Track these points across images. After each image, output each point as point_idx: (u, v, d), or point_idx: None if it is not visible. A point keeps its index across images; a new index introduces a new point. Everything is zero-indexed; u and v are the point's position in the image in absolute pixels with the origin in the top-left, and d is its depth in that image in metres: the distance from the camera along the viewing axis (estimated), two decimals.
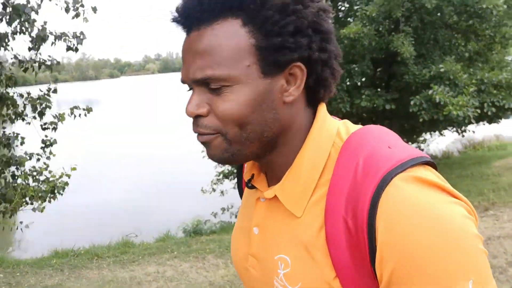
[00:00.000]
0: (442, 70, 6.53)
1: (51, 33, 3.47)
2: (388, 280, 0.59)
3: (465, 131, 7.54)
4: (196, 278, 5.39)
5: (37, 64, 3.46)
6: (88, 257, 6.77)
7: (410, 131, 8.36)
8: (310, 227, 0.68)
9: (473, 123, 6.81)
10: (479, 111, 6.44)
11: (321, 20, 0.68)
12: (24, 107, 3.52)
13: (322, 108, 0.74)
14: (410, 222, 0.56)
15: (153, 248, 7.04)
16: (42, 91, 3.56)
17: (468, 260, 0.56)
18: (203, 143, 0.70)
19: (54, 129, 3.55)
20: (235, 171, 9.94)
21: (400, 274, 0.57)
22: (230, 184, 10.75)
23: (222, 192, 10.76)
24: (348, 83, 7.43)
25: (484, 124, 6.97)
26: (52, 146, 3.65)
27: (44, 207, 3.62)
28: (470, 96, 6.33)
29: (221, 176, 11.01)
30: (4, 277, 5.90)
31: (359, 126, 0.74)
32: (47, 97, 3.51)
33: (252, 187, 0.81)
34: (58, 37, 3.41)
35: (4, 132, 3.49)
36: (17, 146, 3.62)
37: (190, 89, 0.71)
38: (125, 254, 6.83)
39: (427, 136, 10.71)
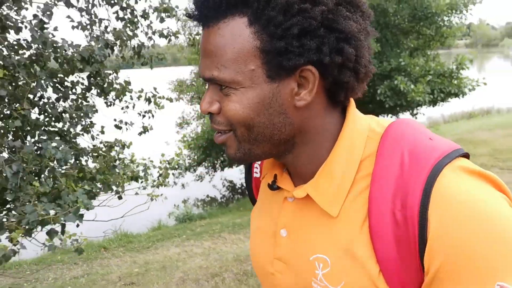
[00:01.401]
0: (402, 63, 7.87)
1: None
2: (435, 271, 0.57)
3: (417, 113, 9.01)
4: (226, 251, 5.99)
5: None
6: (95, 249, 6.99)
7: (375, 115, 9.72)
8: (350, 224, 0.66)
9: (428, 106, 8.25)
10: (431, 96, 7.90)
11: (339, 17, 0.62)
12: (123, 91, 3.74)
13: (352, 106, 0.71)
14: (463, 215, 0.56)
15: (158, 235, 7.44)
16: (156, 90, 3.91)
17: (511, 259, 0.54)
18: (221, 144, 0.69)
19: (152, 116, 3.99)
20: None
21: (449, 266, 0.56)
22: (190, 177, 11.18)
23: (183, 185, 11.12)
24: None
25: (433, 107, 8.47)
26: (148, 132, 4.07)
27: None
28: (426, 84, 7.75)
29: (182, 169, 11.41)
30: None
31: (390, 119, 0.73)
32: (157, 93, 3.90)
33: (277, 188, 0.78)
34: None
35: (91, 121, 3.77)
36: (97, 135, 3.89)
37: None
38: (131, 244, 7.15)
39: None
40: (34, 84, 2.77)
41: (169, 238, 7.17)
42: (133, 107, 3.82)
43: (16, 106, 2.87)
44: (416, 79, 7.93)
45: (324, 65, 0.63)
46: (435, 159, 0.60)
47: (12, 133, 2.90)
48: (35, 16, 2.79)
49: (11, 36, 2.90)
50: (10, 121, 2.71)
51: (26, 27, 2.81)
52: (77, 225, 2.71)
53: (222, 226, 7.35)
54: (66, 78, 3.23)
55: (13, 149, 2.63)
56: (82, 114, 3.32)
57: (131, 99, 3.78)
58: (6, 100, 2.85)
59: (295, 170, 0.74)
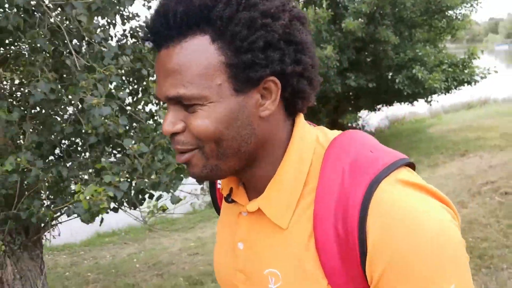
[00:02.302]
0: (419, 54, 8.49)
1: None
2: (377, 281, 0.61)
3: (431, 100, 9.65)
4: None
5: None
6: (140, 232, 7.46)
7: (391, 104, 10.35)
8: (298, 238, 0.68)
9: (441, 94, 8.90)
10: (446, 83, 8.54)
11: (294, 31, 0.66)
12: None
13: (300, 118, 0.73)
14: (399, 226, 0.58)
15: (197, 217, 7.95)
16: None
17: (452, 265, 0.58)
18: (184, 163, 0.69)
19: None
20: None
21: (388, 276, 0.59)
22: None
23: None
24: (338, 67, 9.03)
25: (445, 94, 9.13)
26: None
27: None
28: (441, 73, 8.38)
29: None
30: None
31: (337, 132, 0.75)
32: None
33: (232, 201, 0.78)
34: None
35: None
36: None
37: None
38: (174, 225, 7.65)
39: (362, 114, 12.82)
40: None
41: (208, 219, 7.67)
42: None
43: None
44: (431, 68, 8.55)
45: (285, 75, 0.66)
46: (373, 173, 0.63)
47: None
48: None
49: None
50: None
51: None
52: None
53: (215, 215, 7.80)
54: None
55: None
56: None
57: None
58: None
59: (250, 184, 0.75)
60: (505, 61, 40.55)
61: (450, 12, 8.76)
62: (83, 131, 2.68)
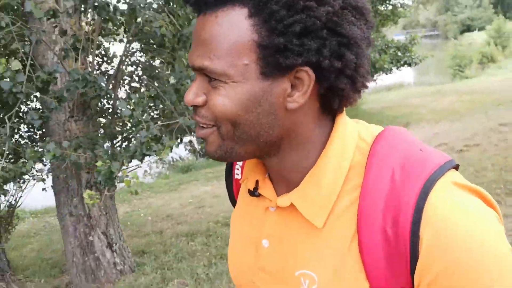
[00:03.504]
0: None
1: None
2: (426, 287, 0.58)
3: (377, 79, 10.97)
4: None
5: None
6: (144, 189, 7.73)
7: None
8: (339, 238, 0.64)
9: (386, 73, 10.27)
10: (391, 64, 9.88)
11: (343, 21, 0.59)
12: None
13: (343, 115, 0.68)
14: (457, 232, 0.56)
15: (188, 177, 8.54)
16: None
17: (507, 275, 0.55)
18: (201, 138, 0.66)
19: None
20: None
21: (441, 283, 0.56)
22: None
23: None
24: None
25: (387, 74, 10.54)
26: None
27: None
28: (389, 55, 9.66)
29: None
30: None
31: (378, 127, 0.71)
32: None
33: (259, 195, 0.74)
34: None
35: None
36: None
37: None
38: (169, 185, 8.09)
39: None
40: None
41: (198, 179, 8.17)
42: None
43: None
44: (379, 51, 9.77)
45: (322, 69, 0.60)
46: (427, 173, 0.59)
47: None
48: None
49: None
50: None
51: None
52: None
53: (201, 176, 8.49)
54: None
55: None
56: None
57: None
58: None
59: (279, 176, 0.70)
60: None
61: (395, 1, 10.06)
62: None
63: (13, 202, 4.49)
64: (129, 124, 3.49)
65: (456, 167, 0.64)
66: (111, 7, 2.98)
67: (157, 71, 4.03)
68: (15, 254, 5.15)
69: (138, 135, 2.91)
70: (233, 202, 0.88)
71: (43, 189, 3.92)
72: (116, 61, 4.12)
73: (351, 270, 0.62)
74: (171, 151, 3.18)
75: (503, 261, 0.56)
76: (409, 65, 10.20)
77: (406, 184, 0.59)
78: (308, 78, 0.60)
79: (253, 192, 0.74)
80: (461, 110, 10.50)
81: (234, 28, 0.59)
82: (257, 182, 0.74)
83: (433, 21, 60.43)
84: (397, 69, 10.29)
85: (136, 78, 4.09)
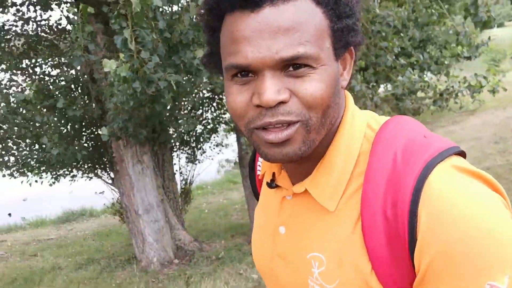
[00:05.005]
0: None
1: None
2: (426, 268, 0.57)
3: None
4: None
5: None
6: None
7: None
8: (345, 221, 0.66)
9: None
10: None
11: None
12: None
13: (350, 100, 0.71)
14: (454, 213, 0.55)
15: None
16: None
17: (507, 255, 0.54)
18: (280, 143, 0.62)
19: None
20: None
21: (439, 264, 0.56)
22: None
23: None
24: None
25: None
26: None
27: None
28: None
29: None
30: None
31: (387, 117, 0.72)
32: None
33: (276, 186, 0.77)
34: None
35: None
36: None
37: (238, 74, 0.63)
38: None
39: None
40: None
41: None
42: None
43: None
44: None
45: (355, 45, 0.67)
46: (428, 156, 0.60)
47: None
48: None
49: None
50: None
51: None
52: None
53: None
54: None
55: None
56: None
57: None
58: None
59: (296, 167, 0.72)
60: None
61: None
62: None
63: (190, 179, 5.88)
64: None
65: (462, 154, 0.65)
66: None
67: None
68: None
69: None
70: (256, 196, 0.94)
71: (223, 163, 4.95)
72: None
73: (354, 252, 0.64)
74: None
75: (504, 243, 0.54)
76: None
77: (406, 167, 0.60)
78: (350, 56, 0.68)
79: (271, 184, 0.78)
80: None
81: (312, 15, 0.61)
82: (273, 174, 0.79)
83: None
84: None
85: None
